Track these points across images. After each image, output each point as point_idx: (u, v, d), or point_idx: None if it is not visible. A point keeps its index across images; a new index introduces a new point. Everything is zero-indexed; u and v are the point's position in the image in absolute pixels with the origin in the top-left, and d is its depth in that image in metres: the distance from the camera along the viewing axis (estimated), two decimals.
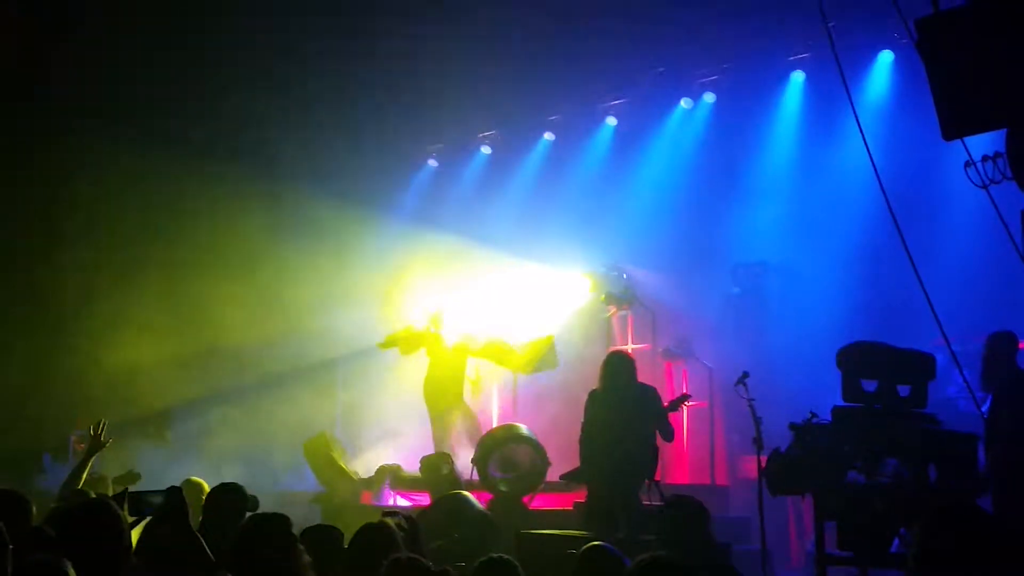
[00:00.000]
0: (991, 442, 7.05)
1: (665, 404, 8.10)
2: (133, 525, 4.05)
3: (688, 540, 5.26)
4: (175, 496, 4.07)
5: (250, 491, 5.40)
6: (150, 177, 12.83)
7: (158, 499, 4.13)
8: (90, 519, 3.73)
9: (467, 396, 11.33)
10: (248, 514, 4.26)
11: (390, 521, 4.78)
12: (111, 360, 12.85)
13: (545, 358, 10.97)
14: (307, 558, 3.88)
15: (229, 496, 5.27)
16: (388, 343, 11.42)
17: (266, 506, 5.14)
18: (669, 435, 7.93)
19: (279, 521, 3.91)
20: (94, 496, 4.97)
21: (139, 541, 4.01)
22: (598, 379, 8.07)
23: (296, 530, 4.58)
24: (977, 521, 2.79)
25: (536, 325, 11.86)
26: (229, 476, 5.52)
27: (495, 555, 4.30)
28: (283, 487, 10.81)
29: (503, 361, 11.26)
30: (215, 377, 12.53)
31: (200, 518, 5.14)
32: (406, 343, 11.27)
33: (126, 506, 4.11)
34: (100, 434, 6.65)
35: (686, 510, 5.52)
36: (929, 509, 2.97)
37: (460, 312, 11.63)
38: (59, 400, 13.02)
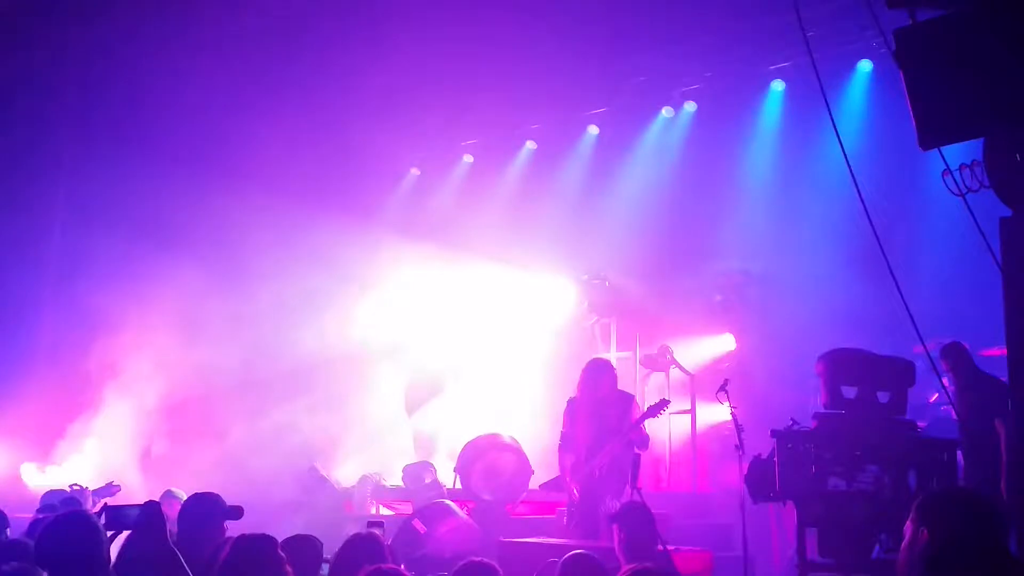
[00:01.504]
0: (980, 450, 7.09)
1: (644, 411, 8.11)
2: (111, 539, 4.01)
3: (639, 544, 5.42)
4: (153, 510, 4.04)
5: (231, 502, 5.31)
6: (128, 186, 12.79)
7: (136, 513, 4.10)
8: (69, 532, 3.71)
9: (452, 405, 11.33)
10: (236, 533, 4.19)
11: (377, 532, 4.77)
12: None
13: None
14: None
15: (205, 506, 5.16)
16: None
17: (246, 516, 5.09)
18: (643, 443, 7.93)
19: (266, 542, 3.89)
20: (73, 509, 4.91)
21: (117, 555, 3.98)
22: (578, 386, 8.06)
23: (277, 539, 4.55)
24: (981, 507, 2.77)
25: (518, 333, 11.88)
26: (210, 486, 5.43)
27: (475, 559, 4.29)
28: (264, 496, 10.73)
29: None
30: (194, 386, 12.45)
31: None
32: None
33: (104, 520, 4.07)
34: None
35: (634, 516, 5.74)
36: (932, 495, 2.95)
37: (442, 320, 11.63)
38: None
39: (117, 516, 4.05)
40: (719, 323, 11.16)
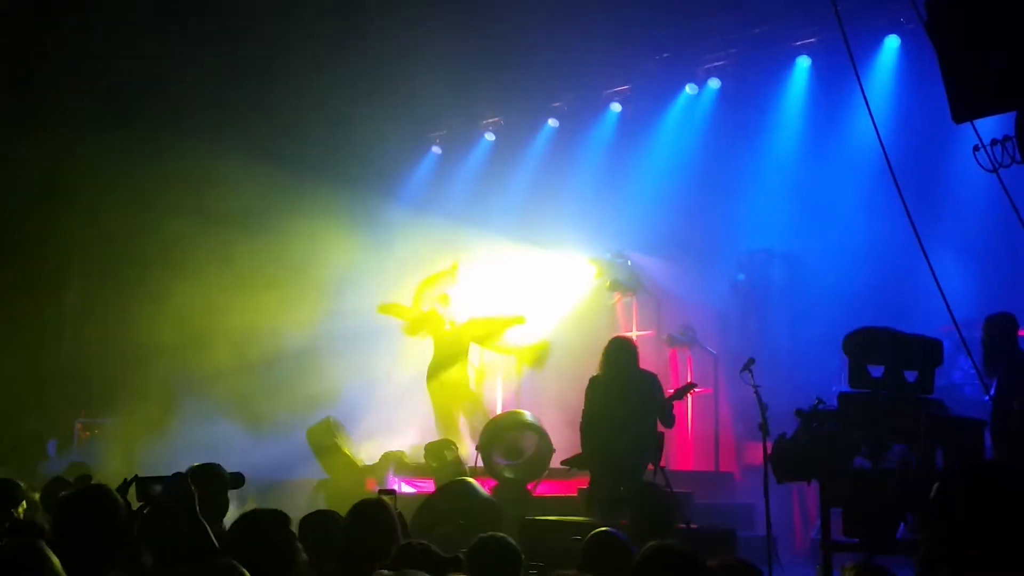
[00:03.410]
0: (999, 431, 6.99)
1: (670, 392, 8.08)
2: (140, 510, 4.03)
3: (651, 524, 5.39)
4: (181, 482, 4.05)
5: (255, 478, 5.28)
6: (150, 165, 12.83)
7: (165, 484, 4.13)
8: (86, 504, 3.71)
9: (472, 382, 11.32)
10: (246, 509, 4.19)
11: (388, 499, 4.76)
12: (116, 347, 12.87)
13: (539, 359, 11.18)
14: (304, 556, 3.83)
15: (202, 478, 5.10)
16: (387, 309, 11.48)
17: (269, 492, 5.10)
18: (670, 422, 7.91)
19: (277, 518, 3.86)
20: (92, 482, 4.94)
21: (143, 526, 3.99)
22: (599, 365, 8.04)
23: (299, 516, 4.55)
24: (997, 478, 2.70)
25: (540, 312, 11.86)
26: (233, 462, 5.42)
27: (488, 534, 4.27)
28: (287, 473, 10.79)
29: (503, 347, 11.34)
30: (219, 363, 12.51)
31: None
32: (406, 317, 11.30)
33: (134, 491, 4.09)
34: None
35: (653, 499, 5.71)
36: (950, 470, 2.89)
37: (465, 298, 11.61)
38: (65, 387, 13.05)
39: (147, 487, 4.08)
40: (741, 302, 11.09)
